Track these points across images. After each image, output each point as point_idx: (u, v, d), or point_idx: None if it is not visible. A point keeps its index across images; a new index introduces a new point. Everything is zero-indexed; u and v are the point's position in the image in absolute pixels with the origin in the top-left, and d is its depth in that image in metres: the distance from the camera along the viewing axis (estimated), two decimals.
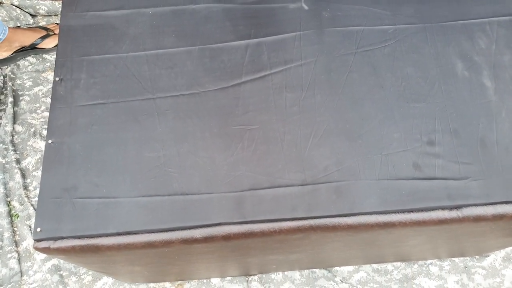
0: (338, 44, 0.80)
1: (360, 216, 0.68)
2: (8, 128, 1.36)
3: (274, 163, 0.70)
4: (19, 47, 1.38)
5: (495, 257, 1.25)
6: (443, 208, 0.68)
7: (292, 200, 0.68)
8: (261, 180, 0.69)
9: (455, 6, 0.83)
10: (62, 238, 0.65)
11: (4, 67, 1.43)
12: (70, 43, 0.79)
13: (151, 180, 0.69)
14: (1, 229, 1.24)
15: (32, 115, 1.39)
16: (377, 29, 0.81)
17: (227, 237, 0.66)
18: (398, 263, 1.19)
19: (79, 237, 0.65)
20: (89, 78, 0.76)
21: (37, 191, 1.30)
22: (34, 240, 0.65)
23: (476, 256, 1.23)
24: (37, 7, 1.49)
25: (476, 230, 0.77)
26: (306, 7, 0.83)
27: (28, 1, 1.48)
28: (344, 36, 0.80)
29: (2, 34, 1.23)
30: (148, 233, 0.66)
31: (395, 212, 0.68)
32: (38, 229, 0.65)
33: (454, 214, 0.69)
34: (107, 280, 1.17)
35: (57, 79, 0.76)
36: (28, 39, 1.38)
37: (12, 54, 1.39)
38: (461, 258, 1.23)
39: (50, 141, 0.71)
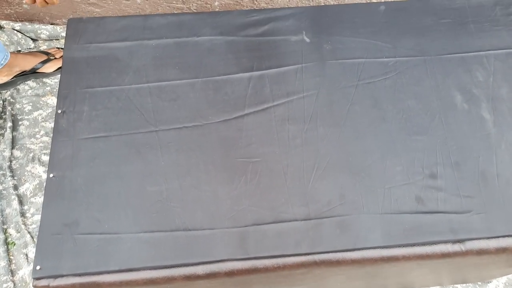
0: (339, 76, 0.80)
1: (363, 251, 0.68)
2: (6, 153, 1.35)
3: (277, 196, 0.70)
4: (20, 72, 1.38)
5: (497, 283, 1.24)
6: (446, 242, 0.68)
7: (296, 235, 0.67)
8: (264, 214, 0.69)
9: (453, 39, 0.84)
10: (62, 276, 0.64)
11: (3, 91, 1.43)
12: (73, 75, 0.79)
13: (153, 215, 0.69)
14: None
15: (31, 140, 1.38)
16: (378, 61, 0.82)
17: (230, 274, 0.66)
18: None
19: (79, 275, 0.64)
20: (92, 111, 0.76)
21: (35, 218, 1.28)
22: (33, 278, 0.64)
23: (479, 283, 1.22)
24: (38, 31, 1.50)
25: (479, 262, 0.77)
26: (307, 40, 0.84)
27: (30, 26, 1.49)
28: (345, 68, 0.81)
29: (3, 60, 1.24)
30: (150, 269, 0.65)
31: (399, 246, 0.68)
32: (38, 267, 0.64)
33: (457, 247, 0.69)
34: None
35: (59, 111, 0.76)
36: (29, 63, 1.39)
37: (12, 78, 1.39)
38: (464, 285, 1.22)
39: (51, 175, 0.71)
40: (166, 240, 0.67)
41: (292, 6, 1.56)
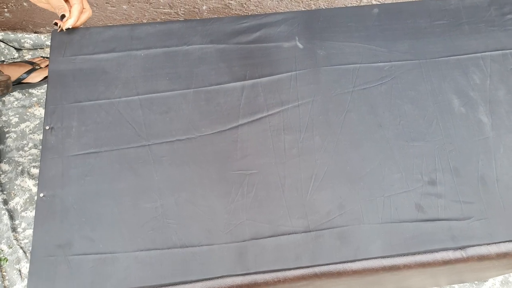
0: (334, 83, 0.79)
1: (364, 261, 0.67)
2: None
3: (275, 209, 0.69)
4: None
5: (493, 282, 1.25)
6: (447, 249, 0.67)
7: (296, 248, 0.66)
8: (262, 228, 0.67)
9: (448, 41, 0.83)
10: None
11: None
12: (60, 89, 0.77)
13: (149, 233, 0.67)
14: None
15: (19, 152, 1.35)
16: (373, 66, 0.80)
17: None
18: None
19: None
20: (81, 126, 0.74)
21: (27, 232, 1.25)
22: None
23: (476, 282, 1.22)
24: (22, 40, 1.46)
25: (479, 266, 0.76)
26: (300, 46, 0.82)
27: (12, 35, 1.45)
28: (340, 74, 0.80)
29: None
30: None
31: (400, 256, 0.67)
32: None
33: (458, 254, 0.68)
34: None
35: (47, 127, 0.73)
36: (14, 74, 1.35)
37: None
38: (461, 285, 1.22)
39: (41, 195, 0.68)
40: (163, 258, 0.65)
41: (282, 9, 1.55)
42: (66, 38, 0.80)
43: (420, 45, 0.83)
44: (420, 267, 0.68)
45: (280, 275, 0.65)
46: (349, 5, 1.52)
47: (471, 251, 0.67)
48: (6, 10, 1.41)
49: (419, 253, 0.66)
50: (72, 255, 0.65)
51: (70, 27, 0.79)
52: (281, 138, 0.74)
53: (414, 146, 0.74)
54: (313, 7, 1.56)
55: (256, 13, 1.57)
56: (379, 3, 0.88)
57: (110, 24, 1.52)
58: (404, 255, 0.66)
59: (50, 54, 0.79)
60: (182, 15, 1.54)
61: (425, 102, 0.78)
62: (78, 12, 0.79)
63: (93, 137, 0.73)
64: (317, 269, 0.66)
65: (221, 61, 0.80)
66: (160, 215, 0.68)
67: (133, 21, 1.52)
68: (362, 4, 1.47)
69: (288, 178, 0.71)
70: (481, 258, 0.68)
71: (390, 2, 0.88)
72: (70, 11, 0.79)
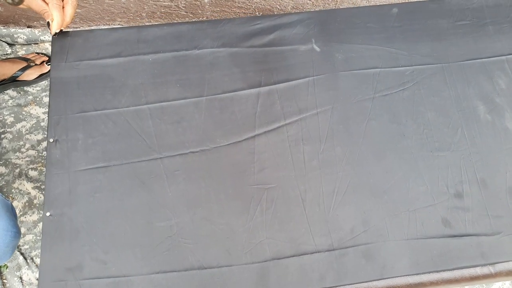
0: (354, 89, 0.75)
1: (390, 279, 0.64)
2: None
3: (296, 227, 0.65)
4: None
5: (503, 282, 1.24)
6: (476, 266, 0.65)
7: (319, 268, 0.63)
8: (284, 247, 0.64)
9: (471, 44, 0.79)
10: None
11: None
12: (63, 98, 0.72)
13: (164, 254, 0.63)
14: None
15: (16, 154, 1.30)
16: (394, 70, 0.76)
17: None
18: None
19: None
20: (87, 138, 0.69)
21: (27, 238, 1.21)
22: None
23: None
24: (15, 35, 1.39)
25: (503, 279, 0.74)
26: (317, 49, 0.78)
27: (5, 30, 1.38)
28: (359, 80, 0.76)
29: None
30: None
31: (427, 273, 0.65)
32: None
33: (486, 270, 0.66)
34: None
35: (51, 140, 0.69)
36: (8, 71, 1.29)
37: None
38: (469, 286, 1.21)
39: (48, 214, 0.64)
40: (180, 280, 0.62)
41: (286, 1, 1.49)
42: (67, 41, 0.75)
43: (442, 48, 0.79)
44: (446, 284, 0.65)
45: None
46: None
47: (500, 267, 0.65)
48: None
49: (447, 270, 0.64)
50: (83, 279, 0.61)
51: (58, 30, 0.71)
52: (300, 149, 0.71)
53: (439, 157, 0.71)
54: (319, 0, 1.51)
55: (261, 5, 1.51)
56: (398, 2, 0.83)
57: (107, 18, 1.46)
58: (431, 272, 0.64)
59: (51, 59, 0.73)
60: (183, 8, 1.48)
61: (449, 109, 0.74)
62: (57, 11, 0.70)
63: (101, 150, 0.69)
64: None
65: (234, 66, 0.76)
66: (175, 234, 0.64)
67: (131, 14, 1.46)
68: (380, 3, 1.41)
69: (309, 192, 0.68)
70: (510, 273, 0.65)
71: (409, 1, 0.83)
72: (51, 13, 0.71)
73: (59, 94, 0.72)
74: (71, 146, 0.69)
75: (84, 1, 1.35)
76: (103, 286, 0.61)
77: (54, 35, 0.73)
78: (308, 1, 1.51)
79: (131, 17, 1.47)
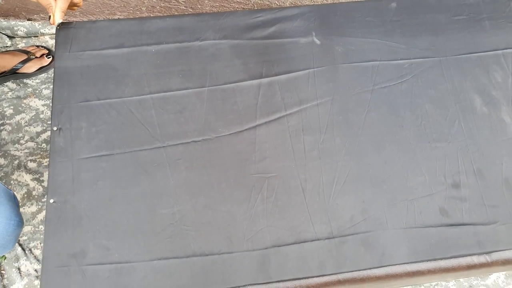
0: (353, 81, 0.76)
1: (389, 267, 0.66)
2: None
3: (297, 215, 0.67)
4: None
5: (498, 275, 1.26)
6: (473, 255, 0.66)
7: (319, 256, 0.64)
8: (284, 235, 0.65)
9: (469, 38, 0.81)
10: None
11: None
12: (67, 87, 0.72)
13: (166, 241, 0.64)
14: None
15: (15, 146, 1.30)
16: (393, 63, 0.78)
17: None
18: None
19: None
20: (91, 127, 0.70)
21: (25, 229, 1.21)
22: None
23: (481, 275, 1.23)
24: (15, 28, 1.39)
25: (499, 269, 0.76)
26: (318, 42, 0.79)
27: (5, 22, 1.38)
28: (359, 72, 0.77)
29: None
30: None
31: (424, 261, 0.66)
32: None
33: (483, 259, 0.67)
34: None
35: (55, 128, 0.69)
36: (8, 64, 1.29)
37: None
38: (466, 278, 1.23)
39: (52, 201, 0.65)
40: (182, 267, 0.63)
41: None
42: (71, 32, 0.75)
43: (440, 42, 0.80)
44: (443, 272, 0.67)
45: (303, 282, 0.64)
46: None
47: (496, 256, 0.67)
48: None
49: (444, 258, 0.65)
50: (87, 265, 0.62)
51: (60, 20, 0.72)
52: (300, 139, 0.72)
53: (436, 148, 0.72)
54: None
55: (259, 1, 1.52)
56: None
57: (107, 12, 1.46)
58: (429, 260, 0.65)
59: (55, 49, 0.74)
60: (182, 2, 1.48)
61: (446, 102, 0.76)
62: (62, 2, 0.71)
63: (104, 138, 0.69)
64: (340, 276, 0.64)
65: (236, 58, 0.77)
66: (177, 221, 0.65)
67: (131, 8, 1.46)
68: None
69: (309, 181, 0.69)
70: (506, 262, 0.67)
71: None
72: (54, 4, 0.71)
73: (62, 84, 0.73)
74: (75, 134, 0.69)
75: None
76: (106, 272, 0.62)
77: (57, 26, 0.73)
78: None
79: (131, 11, 1.47)
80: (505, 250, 0.66)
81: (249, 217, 0.66)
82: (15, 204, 0.81)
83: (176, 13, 1.53)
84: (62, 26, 0.75)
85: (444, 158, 0.71)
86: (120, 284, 0.61)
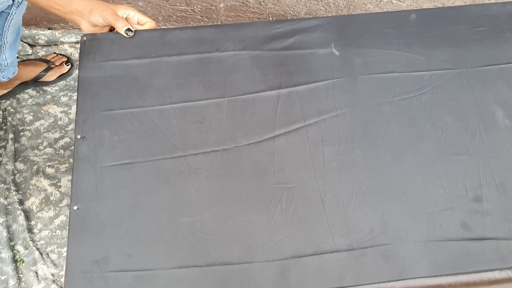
0: (373, 92, 0.76)
1: (408, 280, 0.65)
2: (9, 166, 1.29)
3: (316, 226, 0.67)
4: (21, 82, 1.31)
5: None
6: (495, 269, 0.65)
7: (339, 268, 0.64)
8: (304, 246, 0.65)
9: (490, 49, 0.80)
10: None
11: (2, 101, 1.36)
12: (90, 96, 0.74)
13: (187, 249, 0.65)
14: (6, 276, 1.17)
15: (34, 151, 1.32)
16: (412, 75, 0.78)
17: None
18: None
19: None
20: (113, 136, 0.71)
21: (43, 233, 1.23)
22: None
23: None
24: (36, 37, 1.43)
25: None
26: (337, 53, 0.79)
27: (27, 31, 1.42)
28: (378, 83, 0.77)
29: (12, 74, 1.16)
30: None
31: (445, 275, 0.65)
32: None
33: (505, 274, 0.66)
34: None
35: (78, 136, 0.71)
36: (30, 74, 1.33)
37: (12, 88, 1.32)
38: None
39: (75, 208, 0.66)
40: (202, 275, 0.63)
41: (300, 7, 1.51)
42: (95, 43, 0.77)
43: (460, 53, 0.80)
44: (465, 287, 0.66)
45: None
46: (369, 4, 1.48)
47: None
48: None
49: (466, 273, 0.65)
50: (109, 271, 0.63)
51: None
52: (319, 150, 0.72)
53: (457, 160, 0.72)
54: (332, 6, 1.53)
55: (274, 11, 1.54)
56: (416, 8, 0.85)
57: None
58: (450, 275, 0.65)
59: (79, 59, 0.76)
60: (198, 12, 1.50)
61: (467, 114, 0.75)
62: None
63: (127, 147, 0.71)
64: None
65: (255, 69, 0.78)
66: (198, 230, 0.66)
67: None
68: (390, 6, 1.43)
69: (329, 193, 0.69)
70: None
71: (427, 7, 0.84)
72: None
73: (86, 93, 0.74)
74: (98, 143, 0.71)
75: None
76: (128, 278, 0.63)
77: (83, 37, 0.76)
78: (321, 8, 1.53)
79: None
80: None
81: (269, 227, 0.66)
82: None
83: (192, 22, 1.55)
84: (87, 38, 0.77)
85: (465, 171, 0.71)
86: None
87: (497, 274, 0.66)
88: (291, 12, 1.55)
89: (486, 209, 0.68)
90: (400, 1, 1.44)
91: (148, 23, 0.79)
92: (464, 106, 0.76)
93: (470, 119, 0.75)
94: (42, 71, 1.32)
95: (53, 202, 1.27)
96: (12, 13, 0.91)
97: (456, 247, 0.66)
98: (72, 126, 1.36)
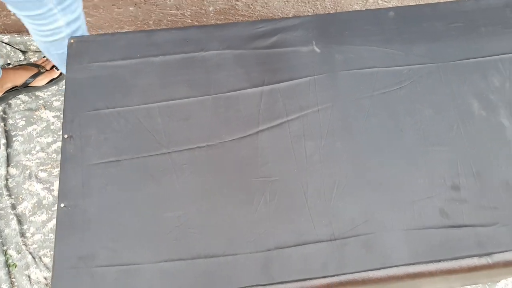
0: (353, 87, 0.78)
1: (390, 269, 0.67)
2: (2, 171, 1.30)
3: (299, 218, 0.68)
4: (11, 87, 1.33)
5: (506, 282, 1.25)
6: (473, 256, 0.67)
7: (322, 257, 0.66)
8: (287, 237, 0.67)
9: (466, 44, 0.83)
10: None
11: None
12: (78, 97, 0.76)
13: (172, 243, 0.66)
14: None
15: (26, 156, 1.34)
16: (391, 70, 0.80)
17: None
18: None
19: None
20: (100, 134, 0.73)
21: (35, 237, 1.24)
22: None
23: (488, 283, 1.23)
24: (28, 43, 1.44)
25: (501, 271, 0.76)
26: (318, 50, 0.81)
27: (19, 38, 1.44)
28: (358, 79, 0.79)
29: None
30: None
31: (425, 263, 0.67)
32: None
33: (484, 260, 0.68)
34: None
35: (65, 136, 0.72)
36: (20, 78, 1.34)
37: (4, 94, 1.34)
38: (473, 286, 1.22)
39: (62, 205, 0.68)
40: (187, 268, 0.65)
41: (288, 9, 1.54)
42: (82, 45, 0.79)
43: (437, 48, 0.82)
44: (445, 274, 0.67)
45: (305, 284, 0.65)
46: (355, 5, 1.51)
47: (497, 257, 0.67)
48: (12, 13, 1.39)
49: (445, 260, 0.66)
50: (96, 266, 0.64)
51: None
52: (301, 144, 0.74)
53: (435, 151, 0.73)
54: (319, 7, 1.55)
55: (263, 14, 1.56)
56: (394, 6, 0.87)
57: (116, 26, 1.51)
58: (430, 262, 0.66)
59: (67, 61, 0.77)
60: (188, 16, 1.53)
61: (445, 106, 0.77)
62: None
63: (113, 145, 0.72)
64: (342, 278, 0.66)
65: (239, 67, 0.80)
66: (182, 224, 0.67)
67: (139, 22, 1.51)
68: (376, 7, 1.46)
69: (311, 185, 0.70)
70: (507, 264, 0.68)
71: (405, 5, 0.87)
72: None
73: (73, 94, 0.76)
74: (85, 142, 0.72)
75: (94, 10, 1.40)
76: (114, 273, 0.64)
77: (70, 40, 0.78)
78: (309, 9, 1.55)
79: (139, 25, 1.52)
80: (506, 251, 0.67)
81: (252, 220, 0.68)
82: None
83: (182, 26, 1.57)
84: (74, 40, 0.79)
85: (443, 162, 0.73)
86: (127, 285, 0.63)
87: (476, 261, 0.67)
88: (279, 15, 1.57)
89: (464, 197, 0.70)
90: (385, 2, 1.47)
91: None
92: (441, 99, 0.78)
93: (448, 111, 0.77)
94: (31, 76, 1.34)
95: (46, 206, 1.28)
96: None
97: (435, 235, 0.67)
98: None
